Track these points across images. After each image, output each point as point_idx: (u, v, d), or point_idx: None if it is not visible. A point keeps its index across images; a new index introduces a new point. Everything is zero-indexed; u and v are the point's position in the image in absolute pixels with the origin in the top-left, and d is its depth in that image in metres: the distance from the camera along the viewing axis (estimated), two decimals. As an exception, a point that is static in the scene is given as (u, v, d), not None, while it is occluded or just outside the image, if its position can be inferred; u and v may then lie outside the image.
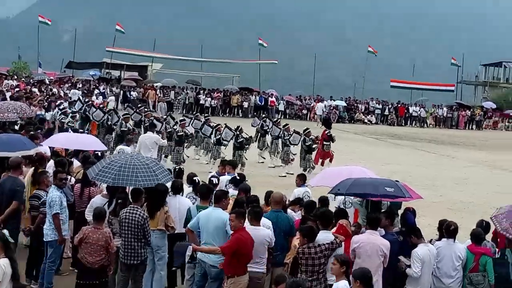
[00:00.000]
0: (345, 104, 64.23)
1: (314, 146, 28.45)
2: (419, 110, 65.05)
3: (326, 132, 29.76)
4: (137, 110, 33.17)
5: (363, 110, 63.90)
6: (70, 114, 30.13)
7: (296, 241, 11.57)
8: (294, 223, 12.39)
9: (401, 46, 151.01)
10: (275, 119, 36.86)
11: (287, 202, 13.57)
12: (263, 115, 41.48)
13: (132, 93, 56.81)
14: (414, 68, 77.88)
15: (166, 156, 28.46)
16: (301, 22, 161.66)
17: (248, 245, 10.85)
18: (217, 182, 14.58)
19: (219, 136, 29.10)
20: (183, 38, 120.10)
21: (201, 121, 31.23)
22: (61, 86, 52.24)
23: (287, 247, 11.89)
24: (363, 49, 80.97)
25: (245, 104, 58.30)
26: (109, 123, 29.75)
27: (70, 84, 54.00)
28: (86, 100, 37.91)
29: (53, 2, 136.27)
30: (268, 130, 32.63)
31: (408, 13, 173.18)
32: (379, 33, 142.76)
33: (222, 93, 60.36)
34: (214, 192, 12.50)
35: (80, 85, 54.77)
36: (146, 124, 30.23)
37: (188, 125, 30.44)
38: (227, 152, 28.85)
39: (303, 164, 27.91)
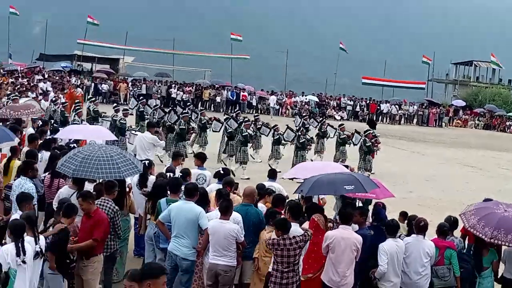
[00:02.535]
0: (317, 100, 64.37)
1: (374, 148, 28.60)
2: (390, 107, 65.31)
3: (371, 132, 29.85)
4: (194, 109, 33.13)
5: (334, 106, 64.09)
6: (122, 112, 29.86)
7: (267, 234, 11.61)
8: (264, 217, 12.35)
9: (373, 44, 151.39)
10: (321, 119, 37.14)
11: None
12: (305, 114, 41.65)
13: (103, 85, 56.59)
14: (386, 65, 78.24)
15: (231, 156, 28.28)
16: (274, 18, 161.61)
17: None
18: (172, 176, 14.45)
19: (278, 135, 29.31)
20: (155, 31, 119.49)
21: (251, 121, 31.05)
22: (30, 76, 51.75)
23: (256, 241, 11.92)
24: (335, 45, 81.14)
25: (217, 99, 58.25)
26: (169, 123, 29.62)
27: (41, 76, 53.49)
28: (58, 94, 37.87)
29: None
30: (309, 128, 32.72)
31: (380, 11, 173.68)
32: (351, 30, 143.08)
33: (193, 87, 60.29)
34: (184, 185, 12.45)
35: (55, 77, 54.38)
36: (202, 122, 30.29)
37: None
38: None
39: (362, 165, 27.92)
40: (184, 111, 31.53)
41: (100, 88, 56.24)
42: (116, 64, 70.30)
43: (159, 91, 57.91)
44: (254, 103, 60.54)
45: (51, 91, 41.28)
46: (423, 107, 67.71)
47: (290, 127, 30.73)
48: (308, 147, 28.89)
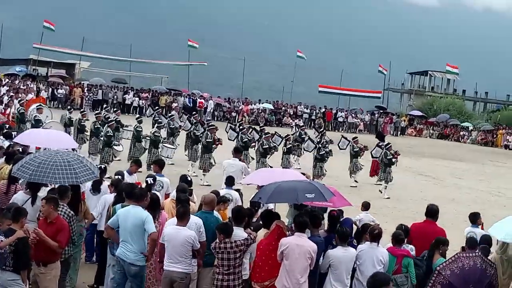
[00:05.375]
0: (272, 107, 64.57)
1: (394, 160, 29.24)
2: (344, 116, 65.73)
3: (390, 145, 30.53)
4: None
5: (291, 114, 64.29)
6: (156, 124, 30.71)
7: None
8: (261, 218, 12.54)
9: (330, 52, 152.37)
10: (321, 130, 37.83)
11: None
12: (301, 124, 42.22)
13: (59, 90, 56.20)
14: (342, 74, 78.69)
15: None
16: (232, 25, 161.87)
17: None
18: (152, 182, 14.37)
19: (290, 145, 30.12)
20: (112, 37, 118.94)
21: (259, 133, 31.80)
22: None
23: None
24: (292, 53, 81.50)
25: (174, 105, 58.12)
26: (196, 133, 29.92)
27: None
28: (12, 96, 37.59)
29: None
30: (305, 138, 33.30)
31: (338, 20, 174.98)
32: (309, 39, 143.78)
33: (150, 93, 60.18)
34: (134, 190, 12.37)
35: (6, 81, 53.74)
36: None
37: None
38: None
39: (383, 177, 28.74)
40: (210, 123, 32.26)
41: (56, 93, 55.84)
42: (72, 69, 69.89)
43: (115, 96, 57.76)
44: (209, 109, 60.66)
45: (5, 95, 40.82)
46: (376, 115, 68.21)
47: (311, 138, 31.47)
48: (326, 158, 29.56)
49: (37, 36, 67.43)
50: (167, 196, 15.16)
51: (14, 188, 13.48)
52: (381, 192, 28.08)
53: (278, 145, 30.67)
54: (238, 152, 22.58)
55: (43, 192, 12.27)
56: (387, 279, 8.91)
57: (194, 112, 43.51)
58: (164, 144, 28.72)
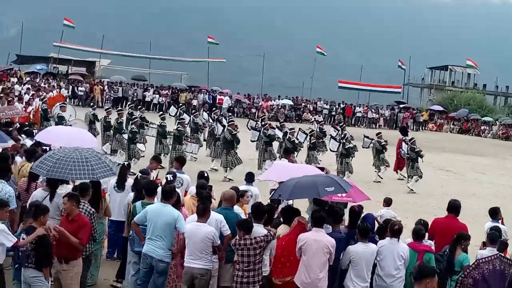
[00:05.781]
0: (292, 103, 64.48)
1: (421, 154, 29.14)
2: (363, 111, 65.44)
3: (402, 139, 30.30)
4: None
5: (311, 110, 64.12)
6: (179, 120, 30.26)
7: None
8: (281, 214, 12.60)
9: (349, 48, 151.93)
10: (341, 124, 38.82)
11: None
12: (321, 120, 42.29)
13: (80, 88, 56.46)
14: (362, 70, 78.35)
15: (264, 160, 28.31)
16: (250, 21, 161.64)
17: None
18: (172, 178, 14.47)
19: (314, 140, 29.71)
20: (132, 34, 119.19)
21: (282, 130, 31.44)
22: (6, 79, 51.35)
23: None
24: (311, 50, 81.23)
25: (194, 102, 58.19)
26: (215, 132, 30.18)
27: (17, 79, 53.13)
28: (33, 94, 37.84)
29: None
30: (328, 137, 33.08)
31: (356, 17, 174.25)
32: (327, 35, 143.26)
33: (170, 90, 60.28)
34: (162, 188, 12.46)
35: (27, 79, 54.02)
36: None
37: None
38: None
39: (411, 172, 28.68)
40: (230, 119, 31.99)
41: (77, 91, 56.09)
42: (92, 67, 70.08)
43: (135, 94, 57.91)
44: (226, 106, 60.57)
45: (26, 93, 41.05)
46: (396, 110, 67.86)
47: (333, 137, 31.52)
48: (353, 155, 29.27)
49: (58, 34, 67.64)
50: (186, 193, 15.23)
51: (35, 185, 13.55)
52: (410, 188, 27.92)
53: (303, 142, 30.56)
54: (288, 152, 22.79)
55: (65, 190, 12.28)
56: (432, 270, 9.27)
57: (214, 109, 43.47)
58: (187, 141, 28.75)
